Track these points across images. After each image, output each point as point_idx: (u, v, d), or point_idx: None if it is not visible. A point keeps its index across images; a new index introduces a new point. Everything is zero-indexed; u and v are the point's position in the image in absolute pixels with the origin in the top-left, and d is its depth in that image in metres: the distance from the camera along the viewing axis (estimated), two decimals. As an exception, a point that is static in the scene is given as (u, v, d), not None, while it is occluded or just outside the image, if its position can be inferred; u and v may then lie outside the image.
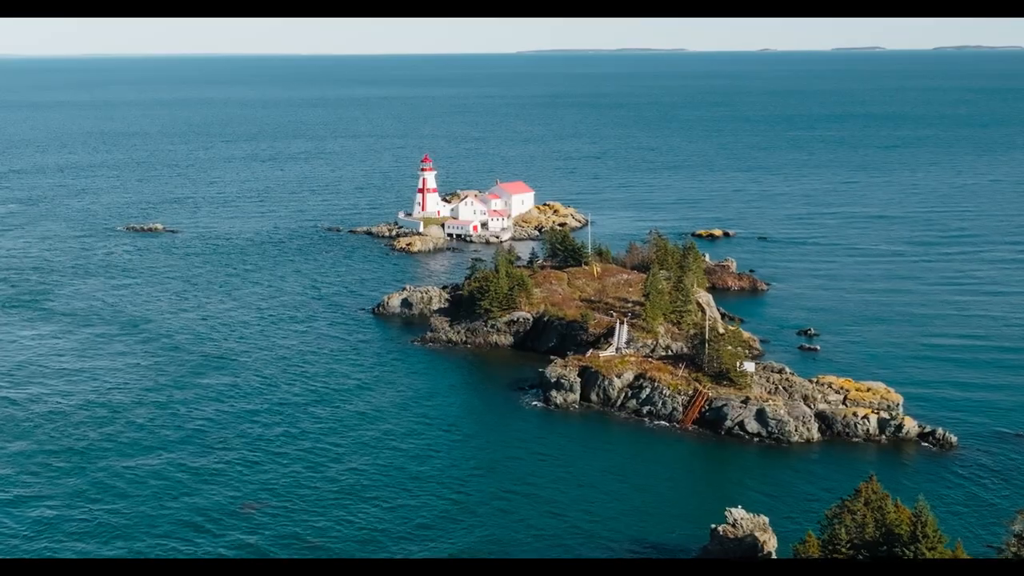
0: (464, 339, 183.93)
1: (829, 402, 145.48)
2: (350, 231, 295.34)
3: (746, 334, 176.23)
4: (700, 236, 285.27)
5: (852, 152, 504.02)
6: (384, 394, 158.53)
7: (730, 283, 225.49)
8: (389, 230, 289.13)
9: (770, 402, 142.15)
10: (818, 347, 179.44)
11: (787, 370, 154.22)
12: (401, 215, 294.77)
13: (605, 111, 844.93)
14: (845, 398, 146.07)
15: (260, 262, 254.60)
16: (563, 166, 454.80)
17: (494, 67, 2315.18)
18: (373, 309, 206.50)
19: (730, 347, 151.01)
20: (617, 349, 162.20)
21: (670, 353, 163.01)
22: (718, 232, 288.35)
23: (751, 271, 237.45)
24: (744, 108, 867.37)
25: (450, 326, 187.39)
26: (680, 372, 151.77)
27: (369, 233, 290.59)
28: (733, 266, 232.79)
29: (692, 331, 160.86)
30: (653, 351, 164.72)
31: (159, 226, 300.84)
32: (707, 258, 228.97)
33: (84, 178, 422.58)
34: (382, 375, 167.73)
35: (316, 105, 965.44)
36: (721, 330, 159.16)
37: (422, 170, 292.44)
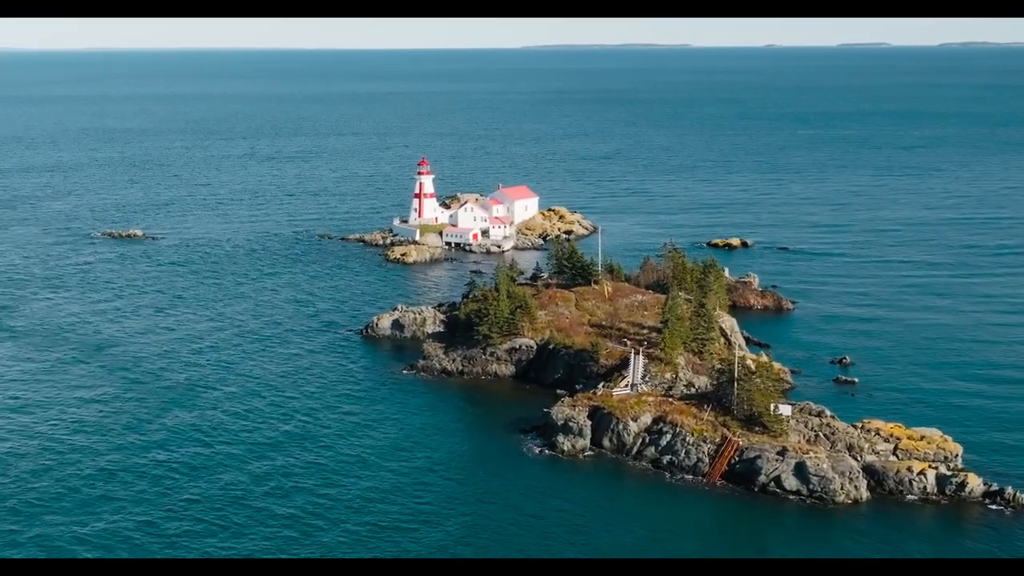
0: (460, 368, 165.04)
1: (878, 453, 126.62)
2: (342, 239, 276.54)
3: (776, 365, 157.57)
4: (716, 246, 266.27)
5: (875, 153, 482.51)
6: (369, 437, 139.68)
7: (752, 301, 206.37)
8: (383, 238, 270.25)
9: (811, 454, 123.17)
10: (856, 380, 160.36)
11: (827, 413, 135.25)
12: (396, 222, 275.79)
13: (612, 108, 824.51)
14: (896, 448, 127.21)
15: (242, 274, 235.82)
16: (570, 167, 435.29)
17: (497, 62, 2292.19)
18: (361, 331, 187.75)
19: (762, 386, 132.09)
20: (632, 386, 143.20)
21: (693, 391, 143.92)
22: (736, 242, 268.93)
23: (773, 287, 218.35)
24: (755, 105, 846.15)
25: (445, 353, 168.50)
26: (705, 415, 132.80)
27: (362, 241, 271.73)
28: (755, 282, 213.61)
29: (718, 366, 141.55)
30: (672, 387, 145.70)
31: (139, 232, 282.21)
32: (726, 272, 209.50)
33: (70, 178, 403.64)
34: (368, 414, 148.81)
35: (318, 101, 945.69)
36: (751, 364, 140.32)
37: (419, 174, 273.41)
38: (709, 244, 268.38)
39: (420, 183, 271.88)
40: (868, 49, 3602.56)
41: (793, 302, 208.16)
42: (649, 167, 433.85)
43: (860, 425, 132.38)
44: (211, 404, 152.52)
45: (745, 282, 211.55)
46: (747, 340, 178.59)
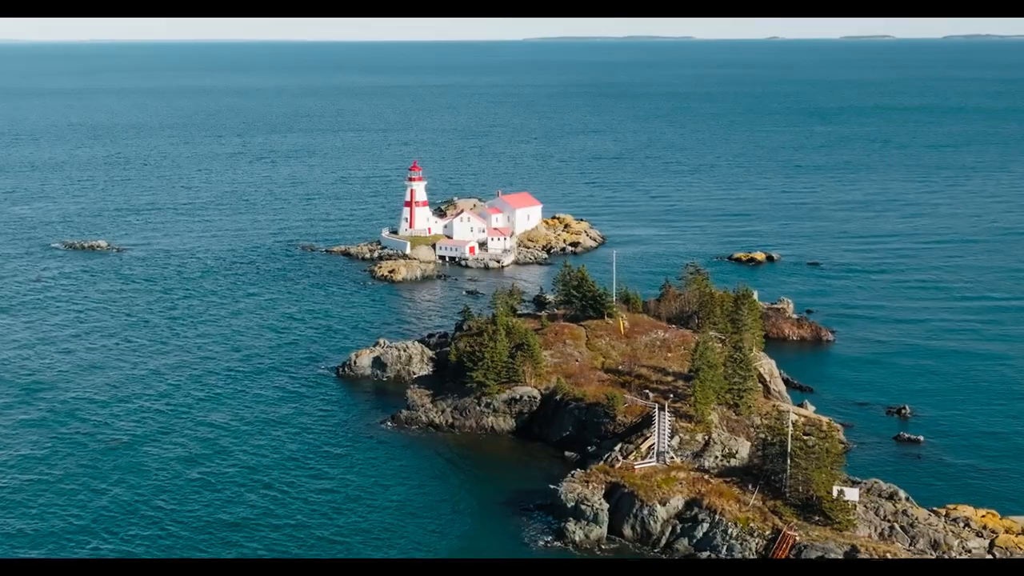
0: (450, 421, 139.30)
1: (969, 551, 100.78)
2: (326, 251, 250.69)
3: (826, 420, 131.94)
4: (739, 261, 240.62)
5: (902, 152, 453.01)
6: (340, 516, 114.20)
7: (787, 332, 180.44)
8: (371, 251, 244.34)
9: (888, 555, 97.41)
10: (921, 438, 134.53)
11: (901, 495, 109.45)
12: (385, 233, 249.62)
13: (618, 102, 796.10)
14: (992, 544, 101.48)
15: (211, 296, 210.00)
16: (578, 167, 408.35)
17: (499, 55, 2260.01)
18: (338, 369, 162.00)
19: (823, 462, 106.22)
20: (658, 455, 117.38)
21: (732, 461, 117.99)
22: (760, 256, 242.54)
23: (808, 312, 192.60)
24: (766, 100, 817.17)
25: (432, 402, 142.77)
26: (751, 499, 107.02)
27: (347, 254, 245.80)
28: (790, 308, 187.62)
29: (763, 434, 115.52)
30: (705, 452, 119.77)
31: (103, 243, 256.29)
32: (755, 296, 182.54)
33: (45, 179, 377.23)
34: (336, 483, 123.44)
35: (317, 94, 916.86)
36: (798, 421, 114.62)
37: (410, 179, 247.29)
38: (731, 259, 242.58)
39: (411, 190, 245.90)
40: (872, 42, 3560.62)
41: (832, 331, 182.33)
42: (663, 168, 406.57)
43: (944, 512, 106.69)
44: (158, 460, 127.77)
45: (778, 309, 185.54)
46: (786, 383, 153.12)
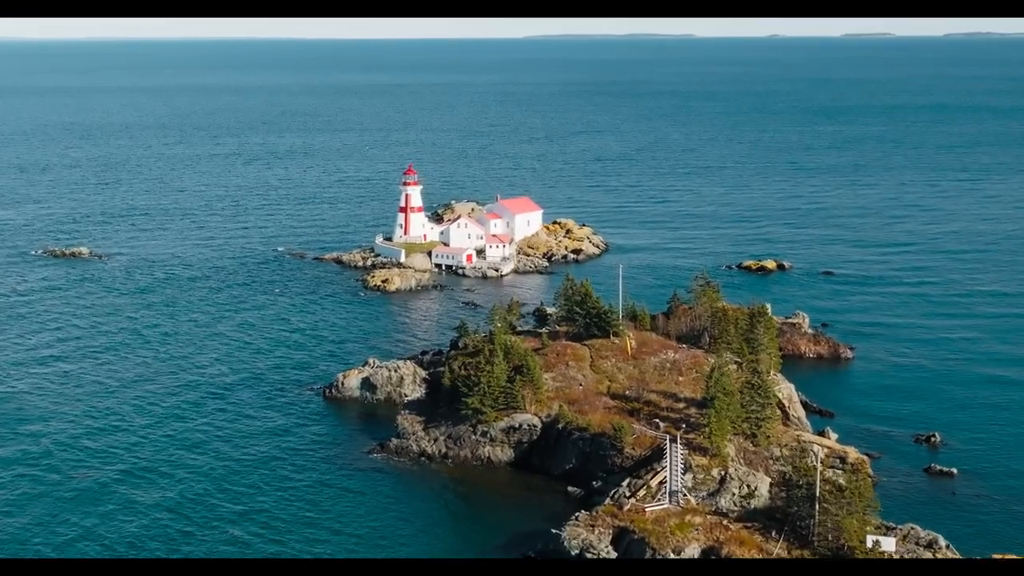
0: (443, 451, 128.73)
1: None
2: (317, 258, 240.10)
3: (849, 449, 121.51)
4: (748, 269, 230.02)
5: (913, 153, 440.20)
6: (320, 552, 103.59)
7: (803, 348, 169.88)
8: (364, 258, 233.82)
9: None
10: (954, 470, 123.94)
11: (940, 542, 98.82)
12: (379, 240, 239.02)
13: (621, 100, 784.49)
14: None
15: (193, 309, 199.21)
16: (581, 169, 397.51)
17: (500, 52, 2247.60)
18: (324, 390, 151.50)
19: (855, 507, 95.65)
20: (671, 495, 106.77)
21: (751, 503, 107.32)
22: (771, 264, 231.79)
23: (824, 326, 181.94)
24: (770, 98, 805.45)
25: (424, 429, 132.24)
26: (776, 548, 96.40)
27: (339, 262, 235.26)
28: (805, 323, 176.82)
29: (790, 474, 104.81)
30: (721, 491, 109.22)
31: (84, 250, 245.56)
32: (769, 310, 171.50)
33: (32, 181, 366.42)
34: (319, 514, 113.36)
35: (315, 93, 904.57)
36: (832, 467, 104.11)
37: (404, 183, 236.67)
38: (739, 267, 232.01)
39: (406, 195, 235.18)
40: (873, 40, 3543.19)
41: (851, 348, 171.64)
42: (668, 171, 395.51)
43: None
44: (124, 495, 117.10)
45: (793, 324, 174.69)
46: (805, 406, 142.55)
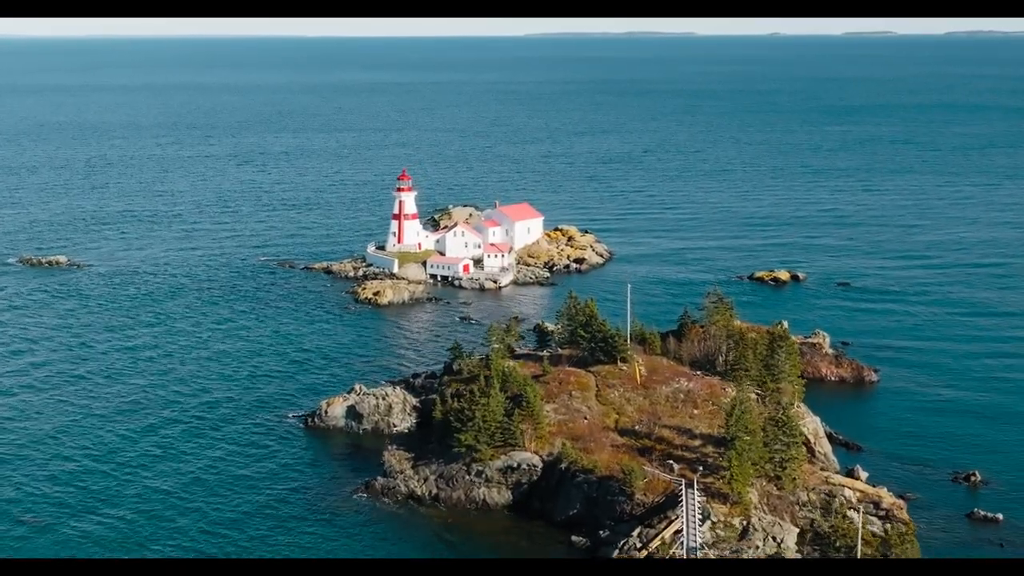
0: (434, 492, 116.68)
1: None
2: (307, 268, 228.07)
3: (883, 492, 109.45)
4: (761, 280, 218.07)
5: (926, 154, 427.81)
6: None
7: (825, 371, 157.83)
8: (355, 268, 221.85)
9: None
10: (1000, 516, 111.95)
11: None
12: (371, 249, 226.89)
13: (624, 99, 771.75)
14: None
15: (173, 324, 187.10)
16: (580, 172, 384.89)
17: (501, 51, 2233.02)
18: (306, 418, 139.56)
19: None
20: (688, 551, 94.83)
21: (778, 554, 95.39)
22: (784, 275, 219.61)
23: (844, 345, 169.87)
24: (774, 97, 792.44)
25: (414, 467, 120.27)
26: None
27: (329, 272, 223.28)
28: (826, 343, 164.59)
29: (826, 531, 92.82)
30: (744, 539, 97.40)
31: (62, 259, 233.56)
32: (785, 327, 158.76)
33: (17, 184, 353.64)
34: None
35: (315, 92, 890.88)
36: (870, 521, 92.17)
37: (398, 190, 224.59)
38: (751, 278, 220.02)
39: (400, 201, 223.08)
40: (874, 38, 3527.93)
41: (875, 370, 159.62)
42: (675, 174, 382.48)
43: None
44: (81, 536, 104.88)
45: (813, 344, 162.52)
46: (830, 437, 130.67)
